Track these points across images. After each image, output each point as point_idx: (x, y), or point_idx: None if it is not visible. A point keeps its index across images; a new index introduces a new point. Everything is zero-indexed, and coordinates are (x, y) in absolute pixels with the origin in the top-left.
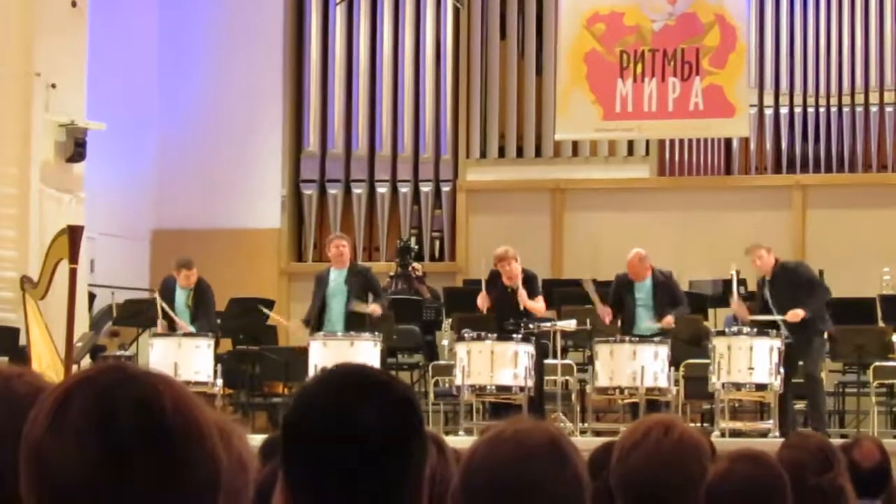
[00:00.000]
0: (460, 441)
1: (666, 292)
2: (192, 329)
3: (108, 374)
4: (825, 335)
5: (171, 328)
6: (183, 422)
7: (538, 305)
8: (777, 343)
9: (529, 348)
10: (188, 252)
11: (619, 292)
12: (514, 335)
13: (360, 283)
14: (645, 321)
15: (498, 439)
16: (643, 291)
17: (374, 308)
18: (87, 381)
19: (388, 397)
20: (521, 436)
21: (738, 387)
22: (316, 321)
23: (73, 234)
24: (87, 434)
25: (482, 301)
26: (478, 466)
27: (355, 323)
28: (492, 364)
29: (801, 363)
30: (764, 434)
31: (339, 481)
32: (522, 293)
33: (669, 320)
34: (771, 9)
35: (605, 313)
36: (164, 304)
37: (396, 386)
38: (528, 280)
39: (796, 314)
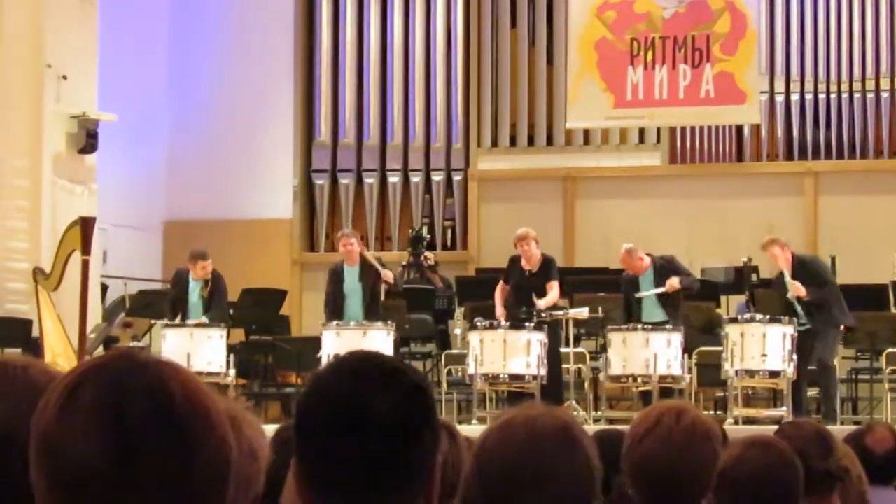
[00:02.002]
0: (473, 430)
1: (669, 274)
2: (204, 320)
3: (118, 362)
4: (841, 328)
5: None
6: (192, 409)
7: (551, 298)
8: (790, 330)
9: (542, 336)
10: (200, 243)
11: (627, 291)
12: (527, 323)
13: (374, 276)
14: (646, 289)
15: (510, 425)
16: (647, 281)
17: (386, 273)
18: (97, 369)
19: (401, 385)
20: (532, 422)
21: (751, 374)
22: (337, 316)
23: (86, 226)
24: (96, 421)
25: (499, 305)
26: (490, 452)
27: (374, 318)
28: (504, 353)
29: (814, 349)
30: (777, 421)
31: (352, 469)
32: (540, 304)
33: (674, 282)
34: None
35: None
36: (176, 305)
37: (409, 373)
38: (547, 264)
39: (798, 288)
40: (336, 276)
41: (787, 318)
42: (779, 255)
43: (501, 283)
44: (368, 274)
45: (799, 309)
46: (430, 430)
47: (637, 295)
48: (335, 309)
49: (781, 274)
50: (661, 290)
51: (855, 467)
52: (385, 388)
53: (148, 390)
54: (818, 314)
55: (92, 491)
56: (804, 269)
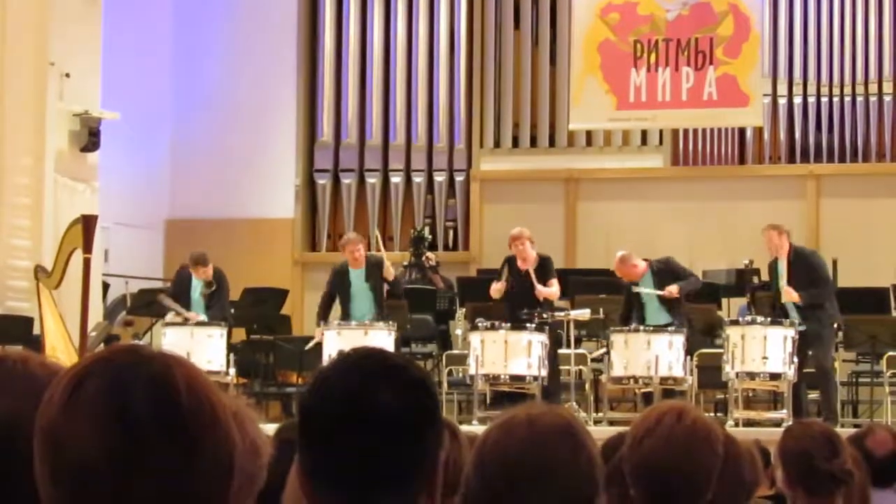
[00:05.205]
0: (474, 430)
1: (667, 276)
2: (203, 318)
3: (123, 356)
4: (835, 326)
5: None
6: (197, 403)
7: (552, 290)
8: (791, 332)
9: (543, 338)
10: (202, 242)
11: (629, 298)
12: (528, 324)
13: (379, 275)
14: (646, 291)
15: (511, 423)
16: (646, 285)
17: (388, 268)
18: (102, 363)
19: (404, 380)
20: (534, 420)
21: (751, 376)
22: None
23: (87, 224)
24: (101, 415)
25: (497, 287)
26: (491, 450)
27: (381, 316)
28: (505, 353)
29: (811, 353)
30: (777, 423)
31: (355, 463)
32: (539, 288)
33: (672, 290)
34: None
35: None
36: (171, 303)
37: (412, 369)
38: (543, 263)
39: (790, 293)
40: (340, 278)
41: (787, 320)
42: (773, 240)
43: (494, 283)
44: (374, 273)
45: (794, 314)
46: (433, 426)
47: (635, 290)
48: (327, 315)
49: (775, 261)
50: (659, 292)
51: (859, 470)
52: (388, 384)
53: (153, 383)
54: (811, 315)
55: (96, 483)
56: (800, 261)
